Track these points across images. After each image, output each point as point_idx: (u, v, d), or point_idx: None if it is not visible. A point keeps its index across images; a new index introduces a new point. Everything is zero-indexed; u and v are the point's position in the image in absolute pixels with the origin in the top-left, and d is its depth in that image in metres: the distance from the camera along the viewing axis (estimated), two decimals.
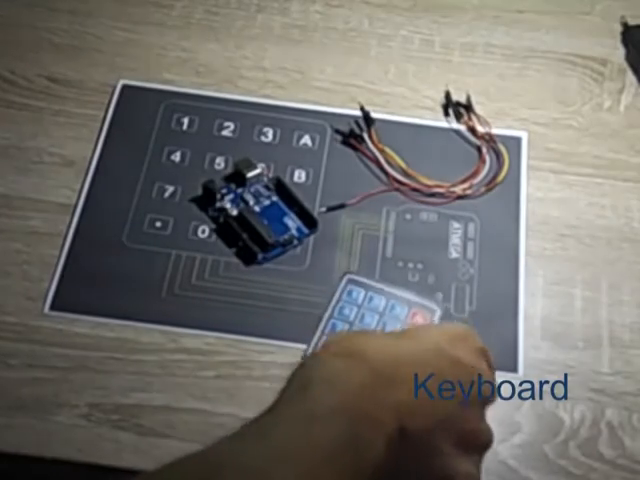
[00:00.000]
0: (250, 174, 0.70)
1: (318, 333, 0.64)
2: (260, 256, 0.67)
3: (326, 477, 0.44)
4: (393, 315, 0.65)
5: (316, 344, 0.64)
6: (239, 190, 0.70)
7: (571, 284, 0.68)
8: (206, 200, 0.70)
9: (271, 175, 0.71)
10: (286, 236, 0.68)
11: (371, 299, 0.65)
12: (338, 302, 0.65)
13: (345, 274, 0.66)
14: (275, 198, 0.70)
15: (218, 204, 0.69)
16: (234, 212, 0.69)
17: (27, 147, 0.73)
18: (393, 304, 0.65)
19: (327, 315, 0.65)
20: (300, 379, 0.48)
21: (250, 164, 0.70)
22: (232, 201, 0.69)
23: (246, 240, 0.67)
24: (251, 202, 0.69)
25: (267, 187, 0.70)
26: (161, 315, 0.65)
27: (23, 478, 0.64)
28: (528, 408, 0.63)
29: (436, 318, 0.65)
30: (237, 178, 0.70)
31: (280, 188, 0.70)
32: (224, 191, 0.70)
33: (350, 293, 0.65)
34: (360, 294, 0.65)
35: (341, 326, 0.64)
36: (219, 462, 0.45)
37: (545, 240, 0.70)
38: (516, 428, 0.62)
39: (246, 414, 0.61)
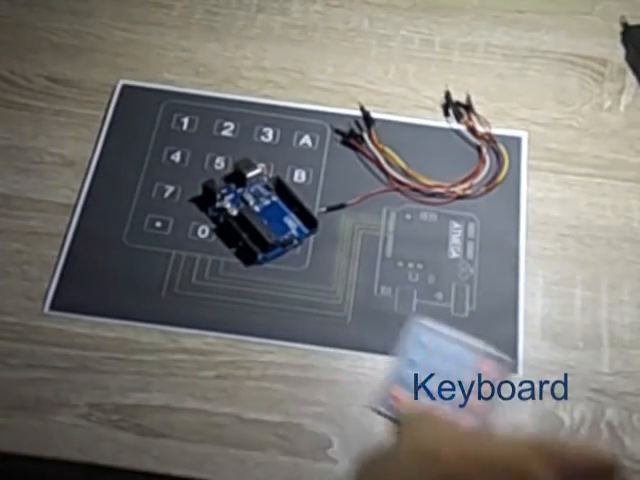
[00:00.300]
0: (250, 174, 0.70)
1: (389, 379, 0.63)
2: (260, 256, 0.67)
3: None
4: (462, 363, 0.63)
5: (385, 392, 0.63)
6: (239, 190, 0.70)
7: (571, 284, 0.68)
8: (206, 200, 0.70)
9: (271, 175, 0.71)
10: (286, 236, 0.68)
11: (439, 346, 0.64)
12: (405, 347, 0.64)
13: (414, 319, 0.65)
14: (275, 198, 0.70)
15: (218, 204, 0.69)
16: (234, 212, 0.69)
17: (27, 147, 0.73)
18: (461, 351, 0.64)
19: (396, 361, 0.63)
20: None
21: (250, 164, 0.70)
22: (232, 201, 0.69)
23: (246, 240, 0.67)
24: (251, 202, 0.69)
25: (267, 187, 0.70)
26: (161, 315, 0.65)
27: (23, 478, 0.64)
28: (528, 408, 0.63)
29: (506, 369, 0.63)
30: (237, 178, 0.70)
31: (280, 188, 0.70)
32: (224, 191, 0.70)
33: (419, 338, 0.64)
34: (428, 339, 0.64)
35: (410, 372, 0.63)
36: None
37: (545, 240, 0.70)
38: (516, 428, 0.62)
39: (246, 414, 0.62)
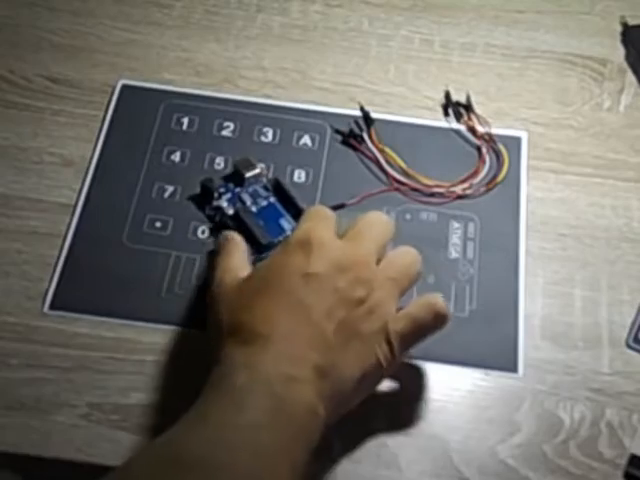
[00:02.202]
0: (249, 174, 0.70)
1: None
2: (253, 257, 0.66)
3: (269, 444, 0.51)
4: None
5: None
6: (237, 190, 0.70)
7: (571, 284, 0.68)
8: (204, 199, 0.70)
9: (270, 175, 0.71)
10: (281, 238, 0.67)
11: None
12: None
13: None
14: (272, 199, 0.70)
15: (215, 203, 0.69)
16: (230, 211, 0.69)
17: (27, 147, 0.73)
18: None
19: None
20: (217, 373, 0.54)
21: (249, 164, 0.70)
22: (229, 200, 0.69)
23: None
24: (248, 202, 0.69)
25: (265, 188, 0.70)
26: (161, 315, 0.65)
27: (23, 478, 0.64)
28: (527, 408, 0.63)
29: None
30: (236, 178, 0.70)
31: (278, 189, 0.70)
32: (222, 190, 0.70)
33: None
34: None
35: None
36: (173, 456, 0.50)
37: (545, 240, 0.70)
38: (515, 428, 0.62)
39: None
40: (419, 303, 0.60)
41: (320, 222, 0.60)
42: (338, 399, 0.55)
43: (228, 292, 0.59)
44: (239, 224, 0.68)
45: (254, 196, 0.69)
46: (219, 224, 0.69)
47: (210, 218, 0.69)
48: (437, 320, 0.59)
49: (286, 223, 0.68)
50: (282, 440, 0.51)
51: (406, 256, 0.61)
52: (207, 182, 0.69)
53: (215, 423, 0.52)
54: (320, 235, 0.58)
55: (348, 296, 0.56)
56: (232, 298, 0.58)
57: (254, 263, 0.65)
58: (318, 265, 0.56)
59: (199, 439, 0.50)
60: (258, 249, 0.67)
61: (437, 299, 0.59)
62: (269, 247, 0.66)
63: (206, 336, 0.60)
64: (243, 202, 0.69)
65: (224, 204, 0.69)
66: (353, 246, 0.59)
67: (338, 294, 0.56)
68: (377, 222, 0.62)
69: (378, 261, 0.59)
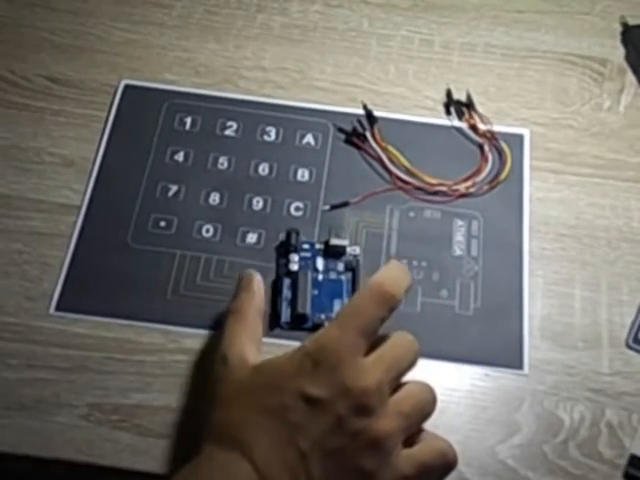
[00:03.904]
0: (336, 242, 0.67)
1: None
2: (283, 320, 0.64)
3: None
4: None
5: None
6: (317, 253, 0.67)
7: (571, 284, 0.68)
8: (284, 246, 0.68)
9: (357, 253, 0.67)
10: (323, 317, 0.64)
11: None
12: None
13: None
14: (344, 277, 0.66)
15: (291, 256, 0.67)
16: (294, 267, 0.66)
17: (27, 147, 0.73)
18: None
19: None
20: (195, 464, 0.53)
21: (342, 233, 0.68)
22: (303, 259, 0.67)
23: (282, 301, 0.65)
24: (320, 269, 0.66)
25: (347, 265, 0.67)
26: (167, 316, 0.65)
27: (23, 478, 0.64)
28: (527, 408, 0.63)
29: None
30: (331, 250, 0.67)
31: (353, 272, 0.67)
32: (304, 246, 0.67)
33: None
34: None
35: None
36: None
37: (545, 240, 0.70)
38: (515, 428, 0.62)
39: None
40: (430, 448, 0.54)
41: (349, 332, 0.54)
42: None
43: (227, 389, 0.56)
44: (293, 283, 0.65)
45: (329, 267, 0.67)
46: (277, 275, 0.66)
47: (277, 267, 0.67)
48: (445, 469, 0.55)
49: (338, 305, 0.65)
50: None
51: (425, 393, 0.55)
52: (292, 232, 0.67)
53: None
54: (338, 351, 0.53)
55: (351, 425, 0.52)
56: (228, 396, 0.55)
57: (282, 327, 0.64)
58: (322, 389, 0.52)
59: None
60: (292, 315, 0.64)
61: (449, 448, 0.55)
62: (302, 319, 0.64)
63: (203, 404, 0.59)
64: (316, 268, 0.66)
65: (294, 258, 0.66)
66: (369, 369, 0.53)
67: (336, 422, 0.52)
68: (402, 344, 0.56)
69: (393, 391, 0.54)
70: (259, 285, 0.63)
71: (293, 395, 0.52)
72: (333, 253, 0.67)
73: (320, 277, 0.66)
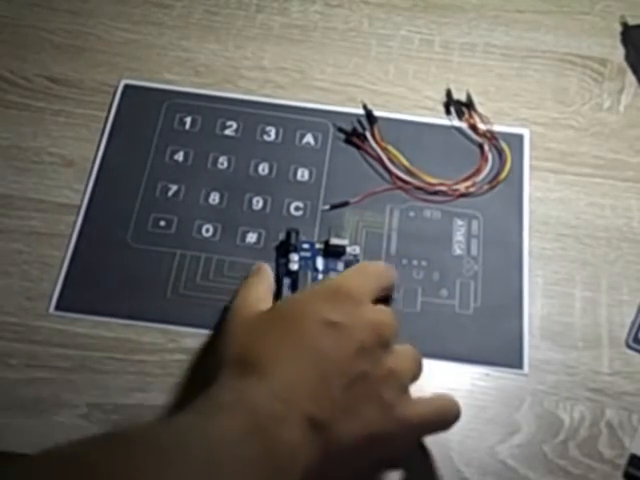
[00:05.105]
0: (336, 242, 0.67)
1: None
2: None
3: (232, 461, 0.47)
4: None
5: None
6: (317, 252, 0.67)
7: (571, 284, 0.68)
8: (284, 246, 0.67)
9: (357, 252, 0.67)
10: None
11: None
12: None
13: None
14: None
15: (291, 255, 0.66)
16: (294, 267, 0.65)
17: (27, 147, 0.73)
18: None
19: None
20: (208, 397, 0.52)
21: (341, 233, 0.68)
22: (303, 259, 0.66)
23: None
24: (320, 269, 0.66)
25: (346, 264, 0.66)
26: (167, 315, 0.65)
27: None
28: (527, 408, 0.63)
29: None
30: (331, 250, 0.67)
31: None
32: (304, 246, 0.67)
33: None
34: None
35: None
36: (127, 437, 0.47)
37: (545, 240, 0.70)
38: (515, 428, 0.62)
39: None
40: (434, 402, 0.57)
41: (360, 276, 0.57)
42: (334, 457, 0.51)
43: (241, 323, 0.56)
44: (293, 283, 0.65)
45: (329, 267, 0.66)
46: (277, 275, 0.66)
47: (277, 266, 0.67)
48: (443, 426, 0.57)
49: None
50: (246, 464, 0.47)
51: (416, 358, 0.57)
52: (291, 231, 0.67)
53: (182, 423, 0.49)
54: (352, 287, 0.55)
55: (372, 353, 0.53)
56: (243, 329, 0.55)
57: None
58: (344, 314, 0.53)
59: (158, 429, 0.49)
60: None
61: (450, 407, 0.57)
62: None
63: (208, 363, 0.59)
64: (316, 267, 0.66)
65: (294, 258, 0.66)
66: (385, 309, 0.56)
67: (361, 348, 0.52)
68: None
69: None
70: (268, 271, 0.63)
71: (314, 320, 0.52)
72: (333, 253, 0.67)
73: (320, 277, 0.66)
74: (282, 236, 0.68)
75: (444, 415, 0.56)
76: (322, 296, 0.54)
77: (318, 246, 0.68)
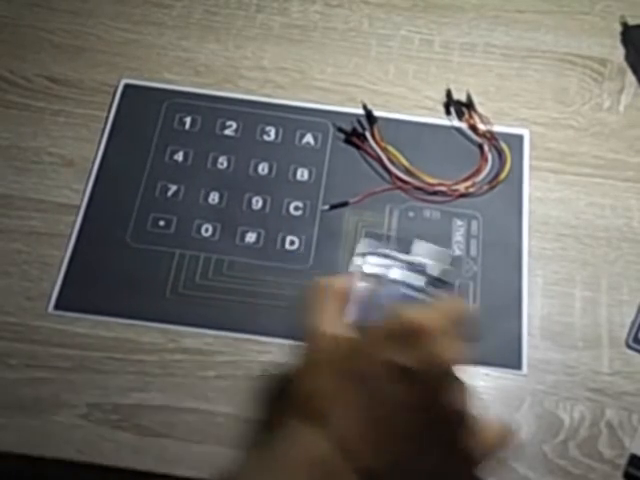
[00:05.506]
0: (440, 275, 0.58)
1: None
2: None
3: None
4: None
5: None
6: (404, 262, 0.57)
7: (571, 284, 0.68)
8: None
9: (431, 273, 0.58)
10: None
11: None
12: None
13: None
14: (417, 295, 0.56)
15: (368, 256, 0.58)
16: (368, 269, 0.57)
17: (27, 147, 0.73)
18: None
19: None
20: (271, 448, 0.50)
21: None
22: (383, 265, 0.57)
23: None
24: (397, 279, 0.56)
25: (429, 284, 0.57)
26: (166, 315, 0.66)
27: (23, 478, 0.64)
28: (527, 408, 0.63)
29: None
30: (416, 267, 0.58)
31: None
32: (391, 253, 0.57)
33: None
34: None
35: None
36: None
37: (545, 240, 0.70)
38: (515, 428, 0.62)
39: (246, 414, 0.62)
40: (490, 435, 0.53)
41: (432, 314, 0.51)
42: None
43: (308, 361, 0.53)
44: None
45: (409, 283, 0.57)
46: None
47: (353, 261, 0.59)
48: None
49: None
50: None
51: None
52: (373, 235, 0.63)
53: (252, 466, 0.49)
54: (425, 324, 0.50)
55: (436, 396, 0.49)
56: (310, 370, 0.52)
57: None
58: (410, 358, 0.49)
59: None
60: None
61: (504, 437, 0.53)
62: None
63: (279, 377, 0.57)
64: (394, 279, 0.57)
65: (373, 260, 0.57)
66: (454, 345, 0.51)
67: (425, 393, 0.49)
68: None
69: None
70: (340, 290, 0.57)
71: (379, 363, 0.50)
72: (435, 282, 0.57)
73: (394, 290, 0.56)
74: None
75: (504, 446, 0.53)
76: (391, 336, 0.50)
77: (400, 256, 0.58)
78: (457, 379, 0.50)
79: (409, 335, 0.50)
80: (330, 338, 0.53)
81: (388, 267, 0.57)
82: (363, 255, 0.58)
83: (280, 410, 0.53)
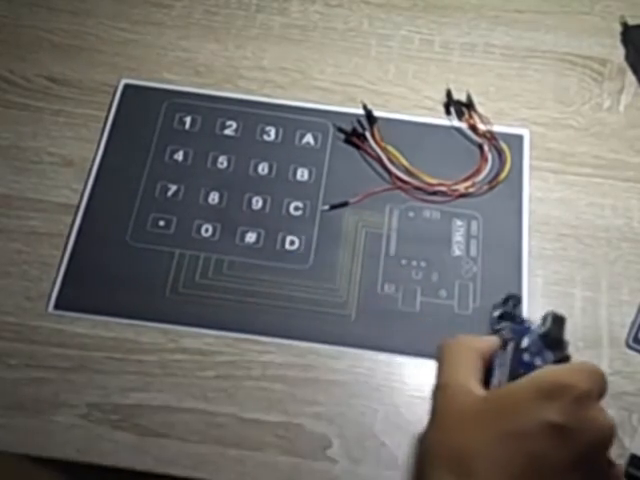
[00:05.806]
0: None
1: None
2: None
3: None
4: None
5: None
6: (531, 331, 0.56)
7: (571, 284, 0.68)
8: (501, 305, 0.60)
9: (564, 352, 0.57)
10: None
11: None
12: None
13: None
14: (540, 363, 0.55)
15: (504, 321, 0.59)
16: (504, 333, 0.56)
17: (27, 147, 0.73)
18: None
19: None
20: None
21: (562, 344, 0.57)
22: (514, 330, 0.56)
23: None
24: (523, 346, 0.55)
25: (551, 349, 0.56)
26: (165, 314, 0.66)
27: (23, 478, 0.64)
28: None
29: None
30: (549, 339, 0.56)
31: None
32: (524, 321, 0.58)
33: None
34: None
35: None
36: None
37: (545, 240, 0.70)
38: None
39: (246, 414, 0.62)
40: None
41: (584, 374, 0.50)
42: None
43: (452, 414, 0.52)
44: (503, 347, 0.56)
45: (534, 353, 0.55)
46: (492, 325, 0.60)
47: (492, 322, 0.59)
48: None
49: None
50: None
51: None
52: (510, 300, 0.60)
53: None
54: (575, 384, 0.49)
55: (595, 460, 0.49)
56: (456, 423, 0.51)
57: None
58: (568, 417, 0.48)
59: None
60: None
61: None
62: None
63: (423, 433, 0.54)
64: (520, 346, 0.55)
65: (507, 326, 0.57)
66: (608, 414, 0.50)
67: (583, 455, 0.48)
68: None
69: None
70: (478, 349, 0.56)
71: (535, 421, 0.48)
72: (551, 344, 0.56)
73: (521, 357, 0.55)
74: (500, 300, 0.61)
75: None
76: (543, 393, 0.49)
77: (532, 327, 0.57)
78: (610, 438, 0.49)
79: (559, 393, 0.49)
80: (475, 394, 0.52)
81: (523, 333, 0.56)
82: (501, 317, 0.59)
83: (423, 462, 0.51)
